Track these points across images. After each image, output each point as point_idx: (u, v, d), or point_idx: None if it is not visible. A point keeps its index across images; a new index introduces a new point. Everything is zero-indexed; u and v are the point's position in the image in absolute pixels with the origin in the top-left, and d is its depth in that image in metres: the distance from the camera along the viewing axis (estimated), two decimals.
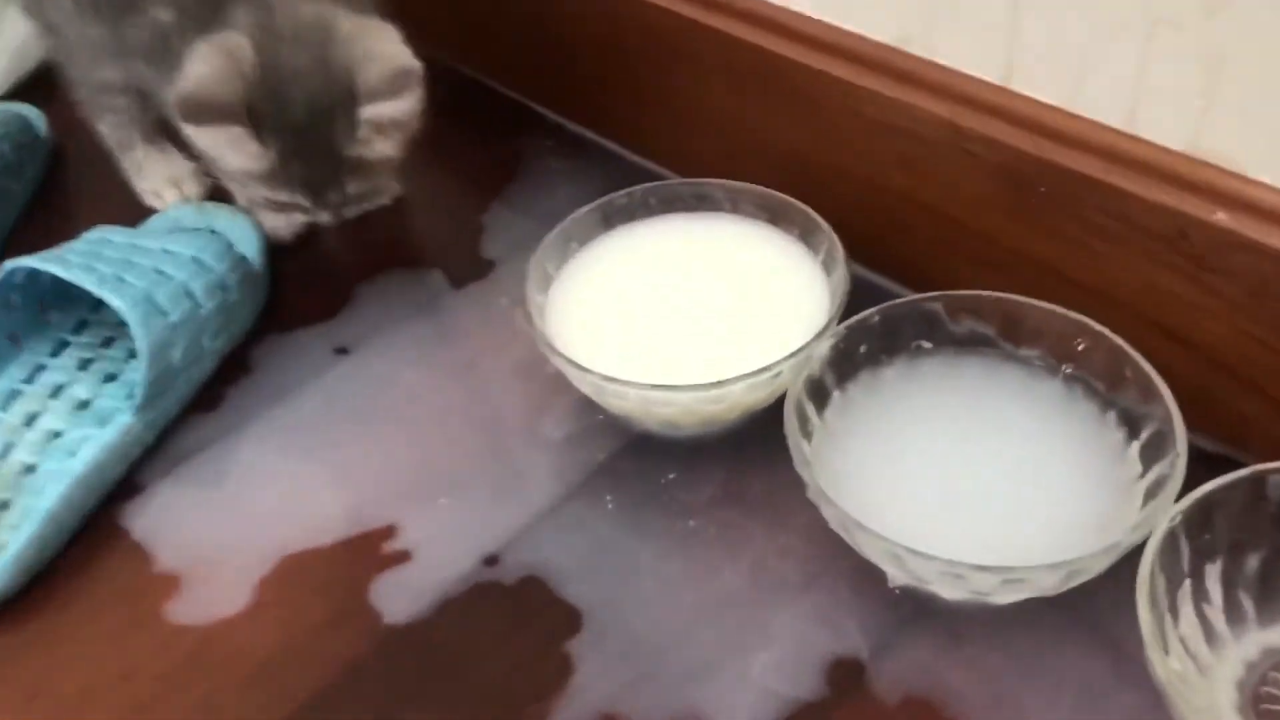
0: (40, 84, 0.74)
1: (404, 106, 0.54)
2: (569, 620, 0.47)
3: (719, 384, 0.46)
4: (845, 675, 0.43)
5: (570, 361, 0.48)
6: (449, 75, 0.76)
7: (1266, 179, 0.43)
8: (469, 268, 0.63)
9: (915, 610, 0.45)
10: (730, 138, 0.61)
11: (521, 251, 0.64)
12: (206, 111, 0.52)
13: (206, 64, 0.52)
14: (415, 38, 0.55)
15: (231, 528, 0.52)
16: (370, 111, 0.54)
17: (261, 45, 0.53)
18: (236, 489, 0.54)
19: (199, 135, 0.53)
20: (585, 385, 0.49)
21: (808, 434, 0.46)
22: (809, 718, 0.42)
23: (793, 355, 0.47)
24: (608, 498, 0.51)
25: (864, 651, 0.44)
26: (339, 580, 0.49)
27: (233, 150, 0.54)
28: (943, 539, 0.43)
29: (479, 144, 0.71)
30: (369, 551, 0.50)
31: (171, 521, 0.53)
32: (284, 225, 0.65)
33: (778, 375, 0.47)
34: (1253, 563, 0.41)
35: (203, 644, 0.48)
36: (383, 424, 0.56)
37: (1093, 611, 0.43)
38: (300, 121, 0.53)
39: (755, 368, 0.47)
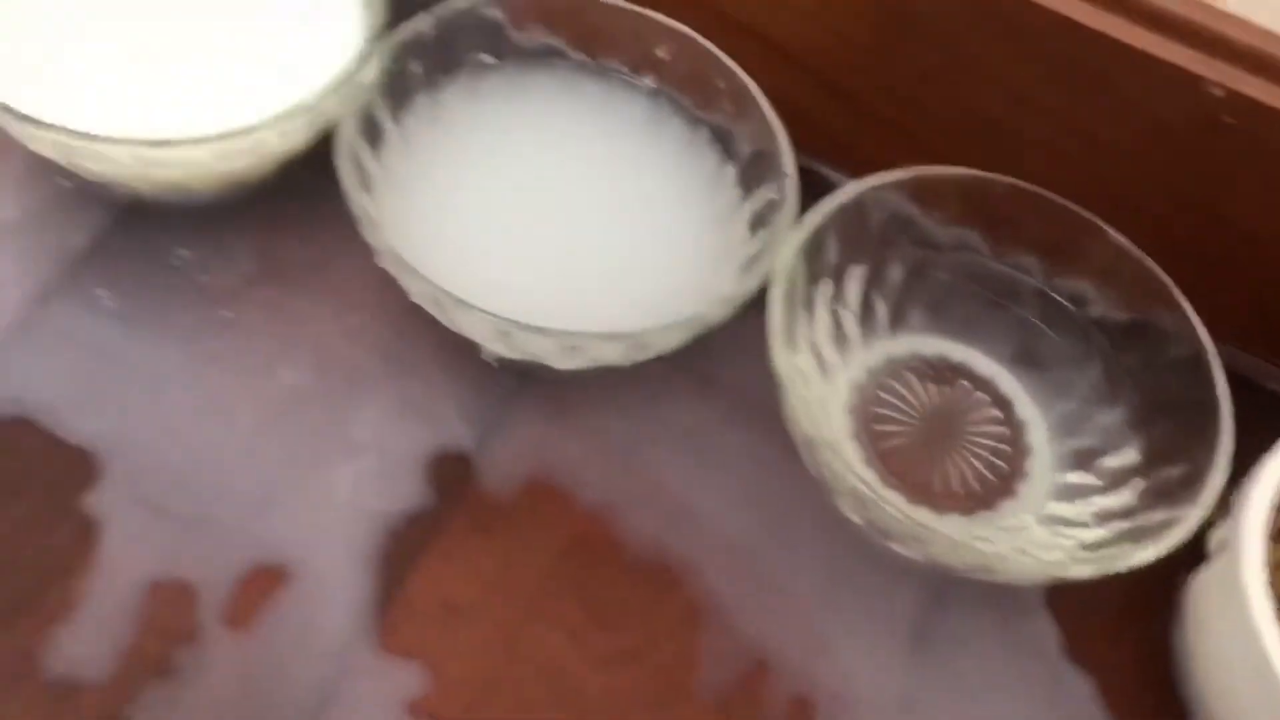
0: None
1: None
2: (80, 467, 0.35)
3: (247, 130, 0.35)
4: (451, 472, 0.37)
5: (19, 115, 0.34)
6: None
7: None
8: None
9: (518, 383, 0.39)
10: None
11: None
12: None
13: None
14: None
15: None
16: None
17: None
18: None
19: None
20: (45, 146, 0.35)
21: (367, 186, 0.36)
22: (418, 530, 0.36)
23: (338, 84, 0.36)
24: (100, 293, 0.38)
25: (468, 440, 0.38)
26: None
27: None
28: (540, 295, 0.37)
29: None
30: None
31: None
32: None
33: (317, 115, 0.36)
34: (855, 283, 0.39)
35: None
36: None
37: (699, 358, 0.39)
38: None
39: (289, 104, 0.35)
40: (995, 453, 0.38)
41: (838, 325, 0.39)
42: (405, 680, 0.33)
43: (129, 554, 0.34)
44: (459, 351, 0.38)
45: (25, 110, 0.34)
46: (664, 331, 0.34)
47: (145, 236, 0.40)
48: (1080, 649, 0.36)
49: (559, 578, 0.36)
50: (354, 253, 0.39)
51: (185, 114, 0.37)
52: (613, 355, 0.35)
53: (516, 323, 0.33)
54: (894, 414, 0.38)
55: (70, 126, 0.34)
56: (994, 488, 0.37)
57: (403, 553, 0.35)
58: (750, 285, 0.35)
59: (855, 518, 0.35)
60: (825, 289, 0.38)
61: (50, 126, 0.34)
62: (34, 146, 0.36)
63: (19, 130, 0.35)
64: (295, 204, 0.40)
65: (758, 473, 0.38)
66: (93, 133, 0.34)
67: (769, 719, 0.34)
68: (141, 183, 0.37)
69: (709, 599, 0.36)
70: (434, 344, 0.39)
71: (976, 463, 0.38)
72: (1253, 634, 0.31)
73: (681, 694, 0.34)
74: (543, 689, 0.34)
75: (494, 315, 0.33)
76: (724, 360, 0.39)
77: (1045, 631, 0.36)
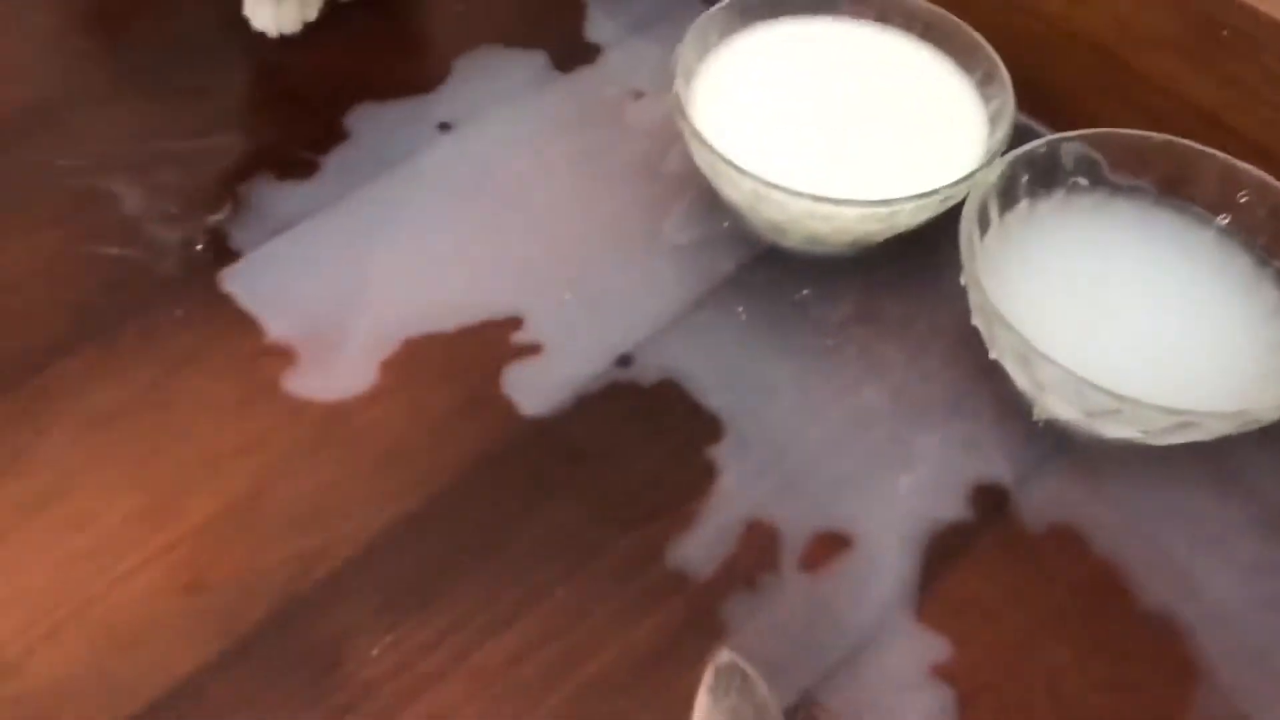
0: None
1: None
2: (710, 427, 0.46)
3: (889, 202, 0.45)
4: (989, 500, 0.44)
5: (729, 163, 0.47)
6: None
7: None
8: (573, 51, 0.60)
9: (1056, 444, 0.46)
10: None
11: (628, 38, 0.61)
12: None
13: None
14: None
15: (343, 303, 0.50)
16: None
17: None
18: (344, 263, 0.51)
19: None
20: (739, 191, 0.47)
21: (971, 259, 0.45)
22: (956, 538, 0.43)
23: (967, 180, 0.46)
24: (739, 309, 0.50)
25: (1008, 478, 0.45)
26: (468, 367, 0.48)
27: None
28: (1102, 367, 0.43)
29: None
30: (497, 340, 0.49)
31: (278, 291, 0.50)
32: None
33: (945, 199, 0.46)
34: None
35: (329, 420, 0.46)
36: (494, 209, 0.54)
37: (1222, 458, 0.44)
38: None
39: (928, 188, 0.45)
40: None
41: None
42: (933, 647, 0.41)
43: (736, 496, 0.44)
44: (1010, 408, 0.46)
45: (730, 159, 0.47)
46: (1218, 418, 0.40)
47: (775, 274, 0.51)
48: None
49: (1070, 607, 0.42)
50: (935, 312, 0.49)
51: (842, 181, 0.48)
52: (1159, 425, 0.41)
53: (1087, 381, 0.41)
54: None
55: (764, 177, 0.46)
56: None
57: (942, 551, 0.43)
58: None
59: None
60: None
61: (751, 175, 0.46)
62: (726, 188, 0.49)
63: (723, 173, 0.47)
64: (892, 266, 0.50)
65: (1265, 571, 0.42)
66: (780, 184, 0.46)
67: None
68: (793, 229, 0.49)
69: (1203, 663, 0.40)
70: (990, 399, 0.46)
71: None
72: None
73: None
74: (1042, 688, 0.40)
75: (1073, 373, 0.41)
76: (1250, 464, 0.44)
77: None
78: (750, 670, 0.35)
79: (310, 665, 0.40)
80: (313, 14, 0.59)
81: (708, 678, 0.35)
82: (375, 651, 0.40)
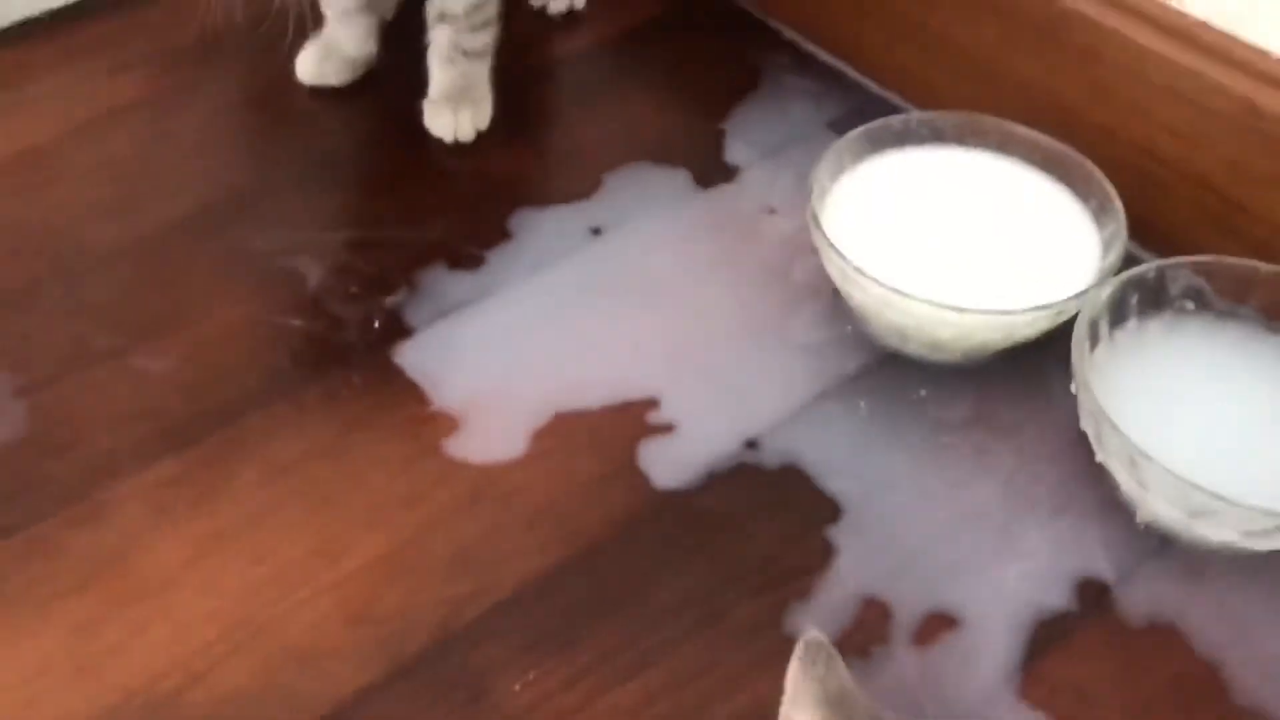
0: None
1: None
2: (829, 509, 0.50)
3: (1008, 312, 0.49)
4: (1092, 594, 0.47)
5: (859, 270, 0.51)
6: None
7: None
8: (713, 170, 0.66)
9: (1159, 545, 0.48)
10: (990, 82, 0.63)
11: (763, 161, 0.67)
12: None
13: None
14: None
15: (501, 380, 0.55)
16: None
17: None
18: (503, 345, 0.57)
19: None
20: (867, 296, 0.52)
21: (1083, 367, 0.49)
22: (1059, 626, 0.46)
23: (1079, 296, 0.50)
24: (861, 404, 0.54)
25: (1110, 575, 0.48)
26: (609, 441, 0.53)
27: None
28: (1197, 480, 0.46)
29: (720, 56, 0.73)
30: (634, 419, 0.54)
31: (443, 366, 0.56)
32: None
33: (1059, 313, 0.50)
34: None
35: (484, 481, 0.51)
36: (637, 305, 0.59)
37: None
38: None
39: (1045, 302, 0.49)
40: None
41: None
42: None
43: (852, 574, 0.48)
44: (1115, 509, 0.49)
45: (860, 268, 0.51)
46: None
47: (895, 376, 0.55)
48: None
49: (1167, 697, 0.44)
50: (1044, 419, 0.52)
51: (963, 296, 0.52)
52: (1258, 526, 0.44)
53: (1188, 481, 0.44)
54: None
55: (892, 285, 0.51)
56: None
57: (1045, 636, 0.46)
58: None
59: None
60: None
61: (880, 281, 0.51)
62: (854, 293, 0.53)
63: (853, 279, 0.52)
64: (1005, 375, 0.54)
65: None
66: (904, 290, 0.50)
67: None
68: (916, 334, 0.53)
69: None
70: (1096, 500, 0.50)
71: None
72: None
73: None
74: None
75: (1174, 473, 0.44)
76: None
77: None
78: (834, 650, 0.39)
79: (460, 694, 0.44)
80: (484, 123, 0.67)
81: (799, 650, 0.39)
82: (518, 686, 0.44)
